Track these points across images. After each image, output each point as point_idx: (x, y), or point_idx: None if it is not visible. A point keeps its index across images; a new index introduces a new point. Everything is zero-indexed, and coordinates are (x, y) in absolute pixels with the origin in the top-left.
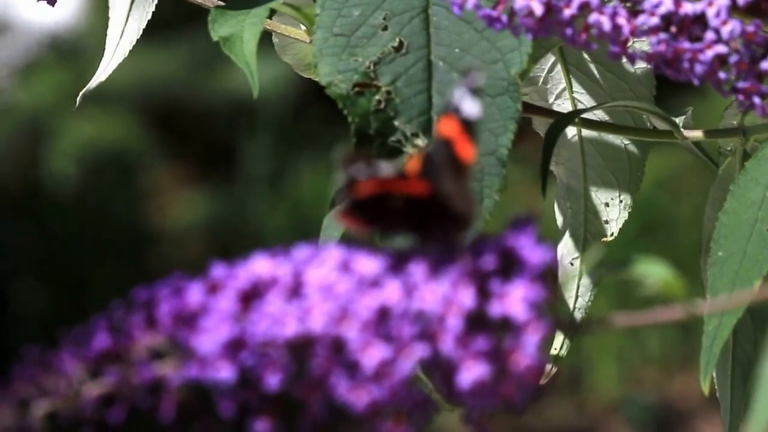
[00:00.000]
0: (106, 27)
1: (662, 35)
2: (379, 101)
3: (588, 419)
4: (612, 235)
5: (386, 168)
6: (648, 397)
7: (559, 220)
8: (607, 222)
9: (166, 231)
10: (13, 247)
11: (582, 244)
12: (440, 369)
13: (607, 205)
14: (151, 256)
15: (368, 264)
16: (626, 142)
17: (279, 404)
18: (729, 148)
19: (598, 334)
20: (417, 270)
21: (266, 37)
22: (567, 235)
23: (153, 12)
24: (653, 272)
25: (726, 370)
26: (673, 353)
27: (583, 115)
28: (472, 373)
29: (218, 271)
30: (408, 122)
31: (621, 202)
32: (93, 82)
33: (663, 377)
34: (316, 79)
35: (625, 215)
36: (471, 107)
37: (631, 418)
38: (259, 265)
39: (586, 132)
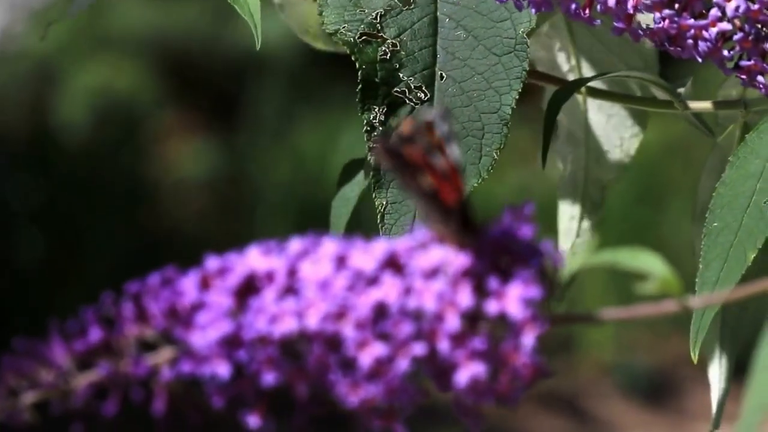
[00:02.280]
0: None
1: (666, 11)
2: (385, 52)
3: (578, 384)
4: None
5: (453, 154)
6: (641, 362)
7: (560, 165)
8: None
9: (170, 182)
10: (17, 194)
11: (582, 188)
12: (437, 367)
13: (607, 152)
14: (154, 207)
15: (364, 259)
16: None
17: (273, 400)
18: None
19: (586, 326)
20: (414, 266)
21: None
22: (567, 180)
23: None
24: (649, 266)
25: (715, 332)
26: (669, 316)
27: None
28: (468, 371)
29: (212, 263)
30: (412, 75)
31: (622, 146)
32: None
33: (657, 341)
34: (314, 45)
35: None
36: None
37: (623, 385)
38: (254, 259)
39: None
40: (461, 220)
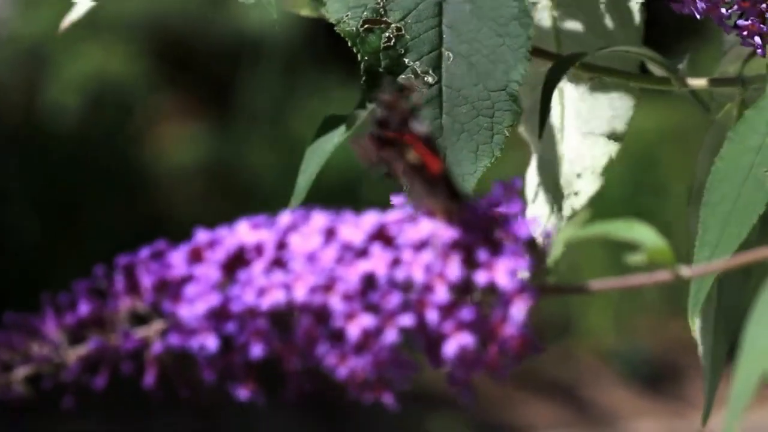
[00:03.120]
0: None
1: None
2: (389, 38)
3: (578, 370)
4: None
5: (419, 126)
6: (641, 348)
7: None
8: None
9: (164, 166)
10: (9, 178)
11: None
12: (426, 339)
13: (579, 175)
14: (149, 191)
15: (354, 231)
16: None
17: (263, 373)
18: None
19: (585, 310)
20: (403, 238)
21: None
22: (536, 203)
23: None
24: (641, 236)
25: (709, 317)
26: (669, 300)
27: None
28: (457, 342)
29: (202, 236)
30: (418, 59)
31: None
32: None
33: (658, 324)
34: (304, 14)
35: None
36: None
37: (623, 371)
38: (243, 232)
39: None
40: (448, 191)
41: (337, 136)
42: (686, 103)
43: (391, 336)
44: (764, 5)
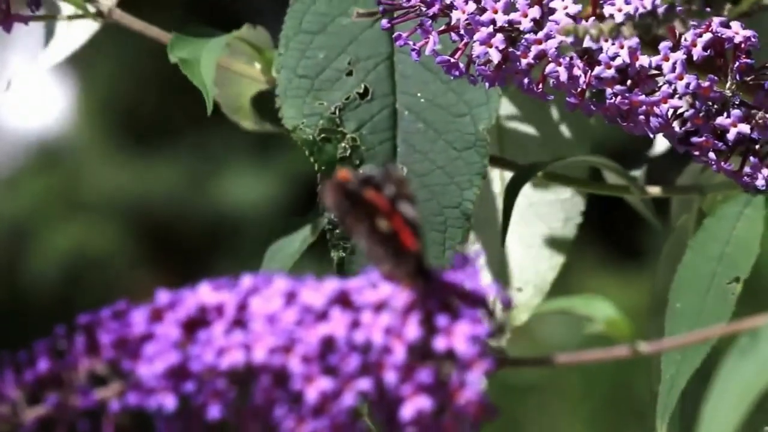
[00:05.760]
0: (94, 132)
1: (618, 87)
2: (345, 148)
3: None
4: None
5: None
6: None
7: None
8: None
9: None
10: None
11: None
12: (383, 400)
13: (519, 289)
14: None
15: (314, 295)
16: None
17: None
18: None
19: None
20: (363, 302)
21: (252, 152)
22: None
23: (142, 125)
24: (600, 311)
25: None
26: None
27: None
28: (414, 405)
29: (163, 297)
30: None
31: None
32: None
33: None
34: (243, 125)
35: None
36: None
37: None
38: (205, 293)
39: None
40: (415, 266)
41: (299, 242)
42: None
43: (348, 399)
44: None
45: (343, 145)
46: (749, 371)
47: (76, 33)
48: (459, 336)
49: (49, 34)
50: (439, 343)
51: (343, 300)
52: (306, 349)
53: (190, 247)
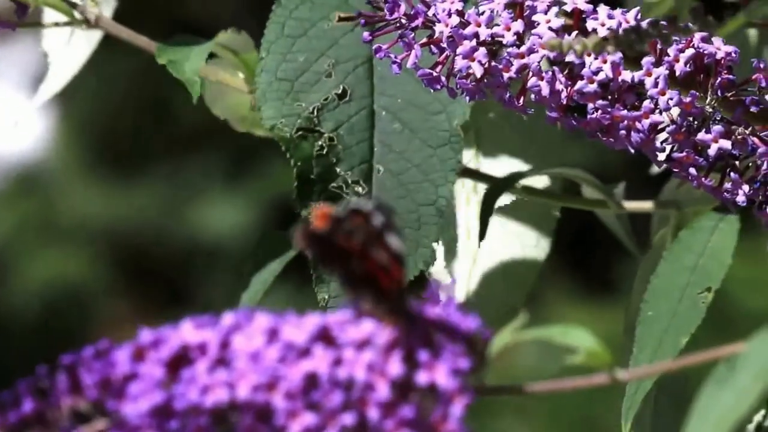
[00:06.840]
0: (71, 159)
1: (600, 102)
2: (322, 147)
3: None
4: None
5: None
6: None
7: None
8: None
9: None
10: None
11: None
12: None
13: None
14: None
15: (296, 332)
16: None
17: None
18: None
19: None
20: (345, 337)
21: (228, 178)
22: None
23: (120, 151)
24: (578, 341)
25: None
26: None
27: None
28: None
29: (146, 336)
30: (349, 170)
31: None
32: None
33: None
34: (254, 132)
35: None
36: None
37: None
38: (187, 332)
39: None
40: (397, 306)
41: (278, 262)
42: None
43: None
44: (699, 136)
45: (320, 143)
46: (727, 400)
47: (68, 61)
48: (440, 370)
49: (41, 66)
50: (422, 378)
51: (325, 336)
52: (289, 385)
53: (167, 273)
